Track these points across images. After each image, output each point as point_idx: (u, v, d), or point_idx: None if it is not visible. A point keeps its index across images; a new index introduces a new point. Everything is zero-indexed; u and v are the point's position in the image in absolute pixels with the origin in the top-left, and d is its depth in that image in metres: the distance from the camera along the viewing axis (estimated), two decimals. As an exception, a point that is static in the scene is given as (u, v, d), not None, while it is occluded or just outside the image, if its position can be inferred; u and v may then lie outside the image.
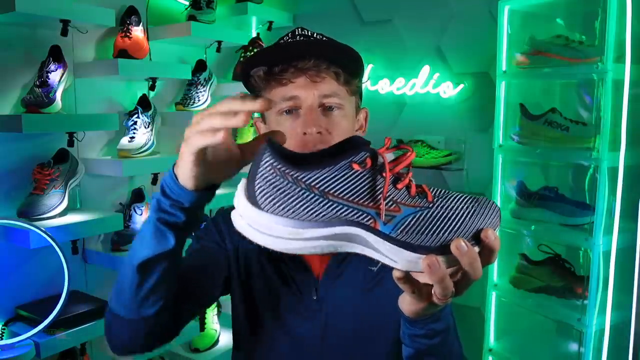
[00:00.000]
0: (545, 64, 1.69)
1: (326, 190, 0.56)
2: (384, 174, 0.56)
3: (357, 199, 0.56)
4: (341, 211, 0.56)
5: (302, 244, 0.56)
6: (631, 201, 1.59)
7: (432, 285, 0.60)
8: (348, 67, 0.90)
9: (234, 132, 2.43)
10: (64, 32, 1.69)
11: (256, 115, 1.01)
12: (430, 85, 2.10)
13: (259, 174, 0.57)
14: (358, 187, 0.56)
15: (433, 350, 0.77)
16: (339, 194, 0.56)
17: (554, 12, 1.84)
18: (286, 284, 0.96)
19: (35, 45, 1.72)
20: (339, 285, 0.95)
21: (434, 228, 0.56)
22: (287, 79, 0.88)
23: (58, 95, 1.66)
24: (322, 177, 0.56)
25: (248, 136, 2.39)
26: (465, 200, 0.59)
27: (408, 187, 0.58)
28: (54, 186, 1.65)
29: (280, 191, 0.56)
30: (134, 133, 1.89)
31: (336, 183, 0.56)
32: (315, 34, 0.92)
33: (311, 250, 0.57)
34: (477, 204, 0.58)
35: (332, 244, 0.57)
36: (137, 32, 1.89)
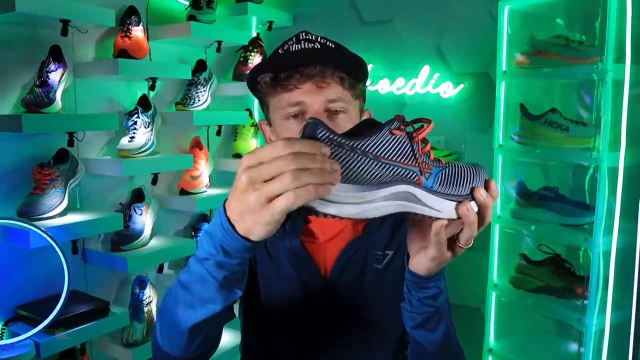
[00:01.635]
0: (545, 64, 1.69)
1: (379, 154, 0.64)
2: (414, 139, 0.66)
3: (403, 160, 0.65)
4: (394, 171, 0.64)
5: (367, 207, 0.63)
6: (631, 201, 1.59)
7: (451, 238, 0.72)
8: (353, 72, 0.92)
9: (234, 132, 2.43)
10: (64, 32, 1.68)
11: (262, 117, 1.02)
12: (430, 85, 2.10)
13: None
14: (401, 149, 0.65)
15: (437, 314, 0.82)
16: (389, 156, 0.64)
17: (554, 12, 1.84)
18: (294, 282, 0.97)
19: (35, 45, 1.72)
20: (346, 283, 0.96)
21: (458, 181, 0.68)
22: (293, 84, 0.88)
23: (58, 95, 1.66)
24: (373, 143, 0.64)
25: (248, 136, 2.39)
26: (464, 163, 0.72)
27: (428, 153, 0.69)
28: (54, 186, 1.65)
29: (342, 159, 0.61)
30: (134, 133, 1.89)
31: (385, 147, 0.64)
32: (319, 38, 0.93)
33: (374, 212, 0.64)
34: (473, 165, 0.71)
35: (390, 204, 0.64)
36: (137, 32, 1.89)
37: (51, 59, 1.67)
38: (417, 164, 0.66)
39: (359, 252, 0.97)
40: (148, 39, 1.99)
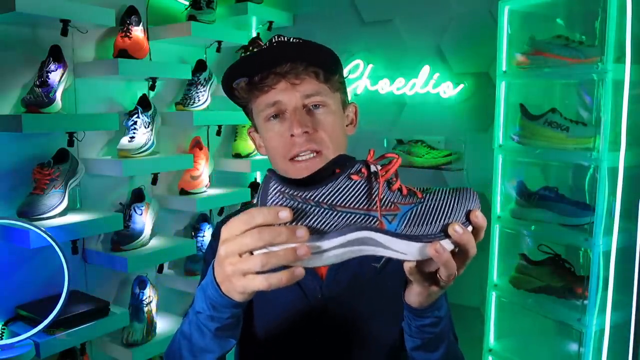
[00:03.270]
0: (545, 64, 1.69)
1: (334, 203, 0.61)
2: (378, 180, 0.63)
3: (361, 205, 0.62)
4: (351, 219, 0.62)
5: (323, 256, 0.62)
6: (631, 201, 1.59)
7: (435, 273, 0.68)
8: (325, 64, 0.92)
9: (234, 132, 2.43)
10: (64, 32, 1.68)
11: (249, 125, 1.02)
12: (430, 85, 2.10)
13: (269, 202, 0.62)
14: (360, 195, 0.62)
15: (437, 338, 0.82)
16: (346, 203, 0.62)
17: (554, 12, 1.84)
18: (290, 285, 0.96)
19: (35, 45, 1.72)
20: (343, 284, 0.95)
21: (431, 218, 0.64)
22: (268, 85, 0.90)
23: (58, 95, 1.66)
24: (328, 192, 0.62)
25: (248, 136, 2.39)
26: (449, 191, 0.67)
27: (400, 189, 0.65)
28: (54, 186, 1.65)
29: (294, 211, 0.61)
30: (134, 133, 1.89)
31: (341, 195, 0.62)
32: (292, 39, 0.93)
33: (332, 260, 0.62)
34: (459, 192, 0.66)
35: (350, 250, 0.62)
36: (137, 32, 1.89)
37: (51, 59, 1.67)
38: (377, 208, 0.62)
39: None
40: (148, 39, 1.99)
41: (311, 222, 0.61)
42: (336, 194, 0.62)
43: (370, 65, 2.23)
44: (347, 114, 1.00)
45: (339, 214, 0.61)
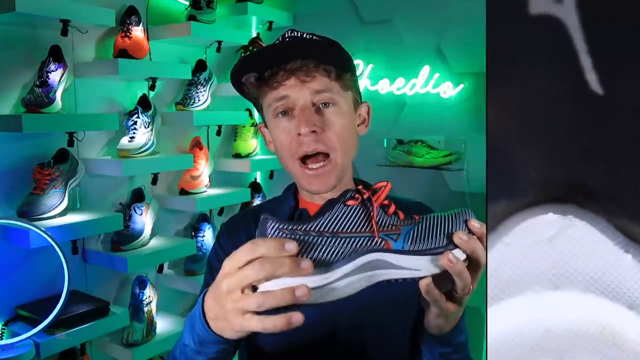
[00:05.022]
0: (545, 64, 1.69)
1: (335, 230, 0.61)
2: (372, 204, 0.64)
3: (364, 229, 0.62)
4: (356, 243, 0.61)
5: (334, 288, 0.60)
6: (631, 201, 1.59)
7: (449, 292, 0.67)
8: (337, 62, 0.89)
9: (234, 132, 2.43)
10: (64, 32, 1.69)
11: (259, 121, 1.01)
12: (430, 85, 2.10)
13: None
14: (359, 219, 0.63)
15: None
16: (347, 229, 0.62)
17: (554, 12, 1.84)
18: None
19: (35, 45, 1.72)
20: (355, 300, 0.92)
21: (434, 233, 0.64)
22: (278, 82, 0.87)
23: (58, 95, 1.66)
24: (327, 221, 0.62)
25: (248, 136, 2.39)
26: (443, 213, 0.67)
27: (396, 213, 0.65)
28: (54, 186, 1.65)
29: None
30: (134, 133, 1.89)
31: (341, 221, 0.62)
32: (304, 34, 0.91)
33: (344, 291, 0.61)
34: (454, 212, 0.67)
35: (361, 277, 0.61)
36: (137, 32, 1.89)
37: (51, 59, 1.67)
38: (380, 229, 0.63)
39: None
40: (148, 39, 1.99)
41: (316, 253, 0.59)
42: (336, 222, 0.61)
43: (370, 65, 2.23)
44: (359, 113, 0.97)
45: (343, 240, 0.61)
